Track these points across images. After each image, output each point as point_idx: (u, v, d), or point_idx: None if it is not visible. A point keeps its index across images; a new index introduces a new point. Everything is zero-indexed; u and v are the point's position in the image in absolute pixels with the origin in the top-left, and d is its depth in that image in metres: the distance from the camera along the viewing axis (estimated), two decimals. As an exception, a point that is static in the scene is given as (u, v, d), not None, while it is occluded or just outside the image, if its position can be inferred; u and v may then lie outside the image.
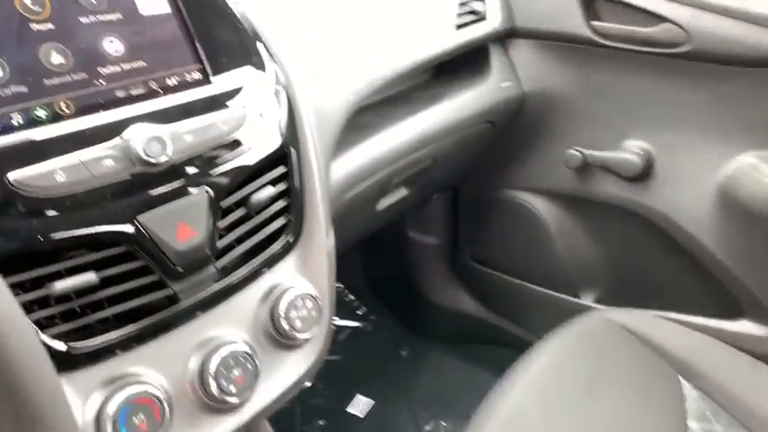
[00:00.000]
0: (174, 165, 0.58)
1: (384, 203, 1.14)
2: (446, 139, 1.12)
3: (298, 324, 0.69)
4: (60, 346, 0.53)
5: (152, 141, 0.56)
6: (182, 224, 0.59)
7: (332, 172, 0.85)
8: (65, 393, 0.47)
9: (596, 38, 1.11)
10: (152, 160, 0.56)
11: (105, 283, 0.56)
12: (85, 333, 0.56)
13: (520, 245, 1.41)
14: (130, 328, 0.58)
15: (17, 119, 0.54)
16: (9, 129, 0.53)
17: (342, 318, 1.69)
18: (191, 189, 0.60)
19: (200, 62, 0.67)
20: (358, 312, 1.71)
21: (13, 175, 0.50)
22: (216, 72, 0.67)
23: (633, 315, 1.05)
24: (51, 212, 0.52)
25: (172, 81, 0.65)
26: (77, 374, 0.55)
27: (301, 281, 0.72)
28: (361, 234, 1.20)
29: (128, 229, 0.56)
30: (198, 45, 0.66)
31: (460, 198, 1.50)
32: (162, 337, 0.61)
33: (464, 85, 1.17)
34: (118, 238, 0.56)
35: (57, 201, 0.52)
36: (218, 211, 0.62)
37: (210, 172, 0.61)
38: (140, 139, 0.56)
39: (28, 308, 0.52)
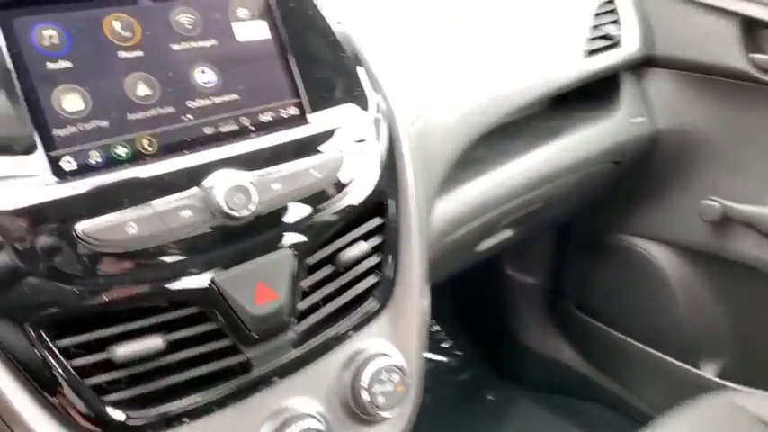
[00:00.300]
0: (258, 217, 0.51)
1: (485, 245, 1.03)
2: (563, 178, 0.99)
3: (380, 400, 0.60)
4: (119, 415, 0.48)
5: (235, 192, 0.49)
6: (261, 285, 0.52)
7: (434, 213, 0.76)
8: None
9: (755, 73, 0.94)
10: (234, 213, 0.49)
11: (172, 346, 0.49)
12: (148, 400, 0.50)
13: (633, 298, 1.25)
14: (197, 398, 0.51)
15: (96, 157, 0.49)
16: (86, 169, 0.48)
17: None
18: (274, 245, 0.52)
19: (298, 96, 0.59)
20: (443, 345, 1.61)
21: (81, 226, 0.44)
22: (314, 109, 0.59)
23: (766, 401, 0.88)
24: (118, 269, 0.46)
25: (266, 117, 0.57)
26: None
27: (389, 348, 0.63)
28: (451, 273, 1.09)
29: (202, 289, 0.49)
30: (297, 77, 0.59)
31: (567, 238, 1.35)
32: (230, 407, 0.54)
33: (588, 118, 1.03)
34: (190, 299, 0.49)
35: (125, 256, 0.46)
36: (302, 269, 0.55)
37: (298, 226, 0.54)
38: (223, 188, 0.49)
39: (87, 372, 0.47)
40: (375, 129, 0.61)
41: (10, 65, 0.46)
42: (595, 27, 0.98)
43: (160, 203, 0.47)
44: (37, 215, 0.44)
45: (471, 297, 1.59)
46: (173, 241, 0.48)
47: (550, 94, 0.93)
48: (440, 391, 1.51)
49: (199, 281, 0.49)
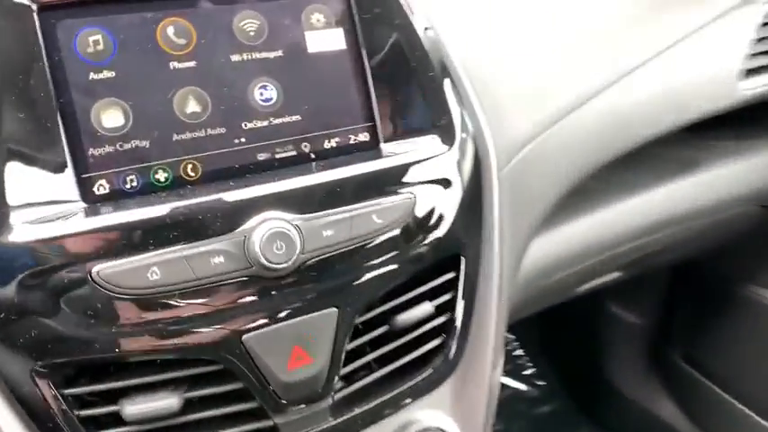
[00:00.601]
0: (302, 267, 0.43)
1: (586, 286, 0.90)
2: (694, 221, 0.83)
3: (429, 484, 0.51)
4: None
5: (276, 239, 0.42)
6: (297, 349, 0.44)
7: (529, 254, 0.65)
8: None
9: None
10: (272, 265, 0.41)
11: (191, 404, 0.44)
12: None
13: (755, 360, 1.06)
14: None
15: (132, 181, 0.43)
16: (119, 195, 0.43)
17: (504, 374, 1.47)
18: (317, 303, 0.45)
19: (372, 120, 0.50)
20: (524, 372, 1.48)
21: (98, 268, 0.39)
22: (389, 136, 0.50)
23: None
24: (136, 317, 0.40)
25: (331, 143, 0.49)
26: None
27: (448, 423, 0.54)
28: (542, 309, 0.97)
29: (228, 348, 0.42)
30: (373, 97, 0.50)
31: (686, 279, 1.17)
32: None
33: (733, 149, 0.86)
34: (214, 356, 0.43)
35: (144, 303, 0.40)
36: (347, 331, 0.46)
37: (348, 281, 0.45)
38: (262, 234, 0.41)
39: (95, 423, 0.42)
40: (459, 167, 0.50)
41: (48, 75, 0.41)
42: (760, 40, 0.79)
43: (189, 247, 0.41)
44: (52, 250, 0.39)
45: (563, 326, 1.45)
46: (199, 290, 0.41)
47: (690, 122, 0.77)
48: (515, 422, 1.40)
49: (226, 338, 0.42)
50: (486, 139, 0.54)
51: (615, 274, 0.94)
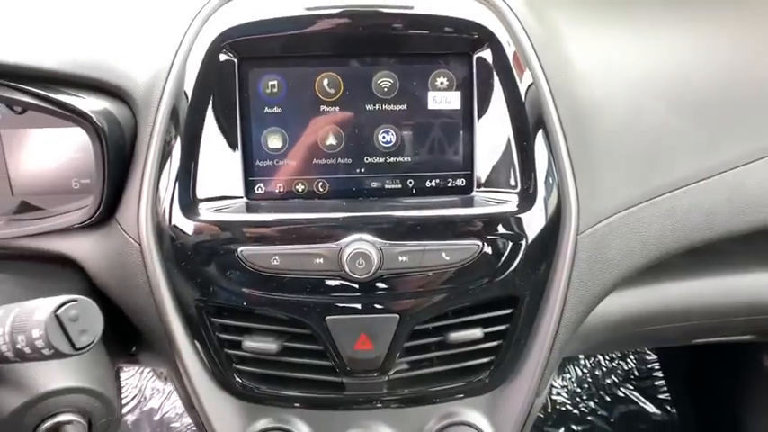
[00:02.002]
0: (380, 278, 0.57)
1: (699, 341, 0.89)
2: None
3: (452, 465, 0.64)
4: (236, 378, 0.63)
5: (359, 258, 0.56)
6: (364, 337, 0.59)
7: (601, 307, 0.68)
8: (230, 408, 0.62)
9: None
10: (353, 275, 0.56)
11: (288, 350, 0.62)
12: (262, 380, 0.64)
13: None
14: (300, 393, 0.64)
15: (280, 188, 0.61)
16: (270, 196, 0.61)
17: (632, 387, 1.46)
18: (383, 308, 0.59)
19: (470, 169, 0.61)
20: (659, 396, 1.44)
21: (242, 249, 0.57)
22: (481, 185, 0.60)
23: None
24: (259, 285, 0.58)
25: (431, 183, 0.61)
26: (243, 403, 0.65)
27: (482, 423, 0.65)
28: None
29: (316, 322, 0.59)
30: (475, 151, 0.60)
31: None
32: (326, 412, 0.65)
33: None
34: (306, 325, 0.60)
35: (268, 278, 0.58)
36: (404, 333, 0.60)
37: (410, 297, 0.58)
38: (350, 252, 0.56)
39: (225, 344, 0.62)
40: (531, 226, 0.58)
41: (237, 105, 0.59)
42: None
43: (302, 248, 0.57)
44: (220, 230, 0.58)
45: (713, 368, 1.37)
46: (304, 278, 0.58)
47: None
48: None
49: (316, 316, 0.59)
50: (569, 204, 0.60)
51: (747, 337, 0.91)
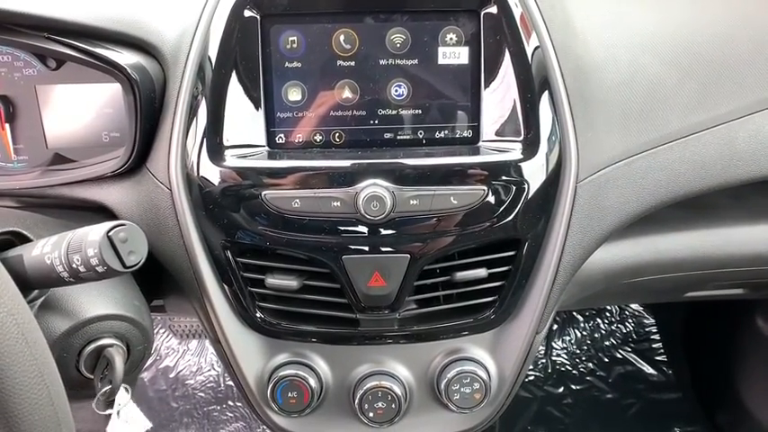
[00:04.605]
0: (392, 220, 0.62)
1: (692, 295, 0.93)
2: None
3: (456, 397, 0.69)
4: (260, 315, 0.69)
5: (374, 201, 0.61)
6: (377, 274, 0.64)
7: (599, 255, 0.73)
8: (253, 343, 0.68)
9: None
10: (368, 217, 0.61)
11: (307, 288, 0.67)
12: (284, 316, 0.69)
13: None
14: (318, 329, 0.69)
15: (299, 138, 0.66)
16: (290, 145, 0.65)
17: (630, 349, 1.52)
18: (395, 247, 0.63)
19: (476, 121, 0.65)
20: (656, 357, 1.50)
21: (265, 192, 0.62)
22: (487, 136, 0.64)
23: None
24: (284, 226, 0.63)
25: (440, 134, 0.66)
26: (265, 338, 0.71)
27: (486, 358, 0.71)
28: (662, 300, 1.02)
29: (333, 261, 0.64)
30: (482, 104, 0.64)
31: None
32: (341, 347, 0.71)
33: None
34: (324, 264, 0.65)
35: (289, 219, 0.63)
36: (415, 272, 0.64)
37: (422, 238, 0.63)
38: (365, 195, 0.61)
39: (249, 282, 0.67)
40: (534, 174, 0.63)
41: (260, 61, 0.63)
42: None
43: (321, 192, 0.62)
44: (245, 174, 0.62)
45: (708, 328, 1.42)
46: (323, 219, 0.63)
47: None
48: (627, 398, 1.46)
49: (334, 255, 0.64)
50: (570, 153, 0.64)
51: (737, 291, 0.95)
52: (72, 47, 0.61)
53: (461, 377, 0.69)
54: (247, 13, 0.62)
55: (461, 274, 0.65)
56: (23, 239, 0.54)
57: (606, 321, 1.57)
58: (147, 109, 0.64)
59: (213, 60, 0.62)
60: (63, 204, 0.72)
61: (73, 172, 0.70)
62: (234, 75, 0.63)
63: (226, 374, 1.49)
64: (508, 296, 0.68)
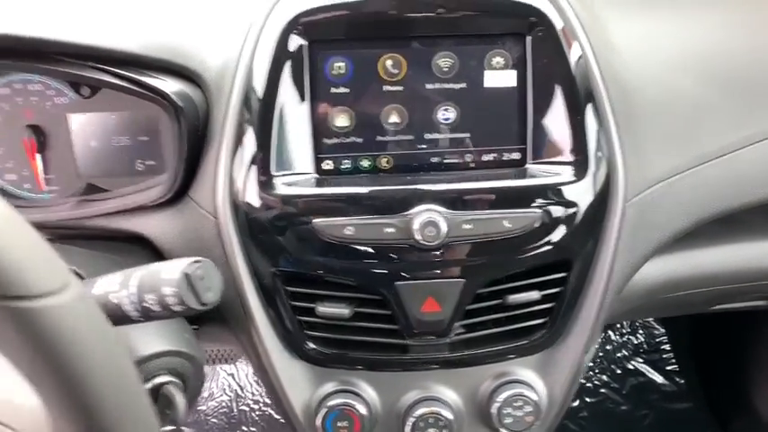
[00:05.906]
0: (446, 245, 0.62)
1: (721, 306, 0.94)
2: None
3: (508, 421, 0.69)
4: (308, 343, 0.67)
5: (429, 226, 0.60)
6: (431, 300, 0.63)
7: (650, 269, 0.74)
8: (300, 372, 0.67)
9: None
10: (423, 243, 0.60)
11: (358, 316, 0.66)
12: (333, 344, 0.68)
13: None
14: (367, 356, 0.68)
15: (347, 164, 0.65)
16: (338, 172, 0.64)
17: (642, 360, 1.53)
18: (450, 272, 0.63)
19: (524, 143, 0.65)
20: (667, 367, 1.51)
21: (316, 220, 0.61)
22: (535, 158, 0.65)
23: None
24: (332, 254, 0.62)
25: (488, 157, 0.66)
26: (311, 367, 0.69)
27: (536, 381, 0.70)
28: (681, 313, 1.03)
29: (386, 287, 0.63)
30: (529, 127, 0.64)
31: None
32: (390, 374, 0.70)
33: None
34: (376, 290, 0.64)
35: (340, 247, 0.62)
36: (469, 296, 0.64)
37: (477, 262, 0.63)
38: (420, 221, 0.60)
39: (298, 311, 0.66)
40: (584, 195, 0.63)
41: (307, 86, 0.63)
42: None
43: (373, 217, 0.61)
44: (294, 203, 0.62)
45: (718, 336, 1.43)
46: (376, 246, 0.62)
47: None
48: (641, 409, 1.46)
49: (386, 282, 0.63)
50: (618, 173, 0.64)
51: (760, 303, 0.96)
52: (119, 76, 0.59)
53: (512, 400, 0.68)
54: (294, 39, 0.62)
55: (514, 297, 0.65)
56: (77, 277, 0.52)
57: (617, 333, 1.58)
58: (192, 137, 0.62)
59: (259, 88, 0.62)
60: (96, 235, 0.70)
61: (111, 202, 0.68)
62: (280, 101, 0.62)
63: (238, 400, 1.46)
64: (558, 317, 0.67)
